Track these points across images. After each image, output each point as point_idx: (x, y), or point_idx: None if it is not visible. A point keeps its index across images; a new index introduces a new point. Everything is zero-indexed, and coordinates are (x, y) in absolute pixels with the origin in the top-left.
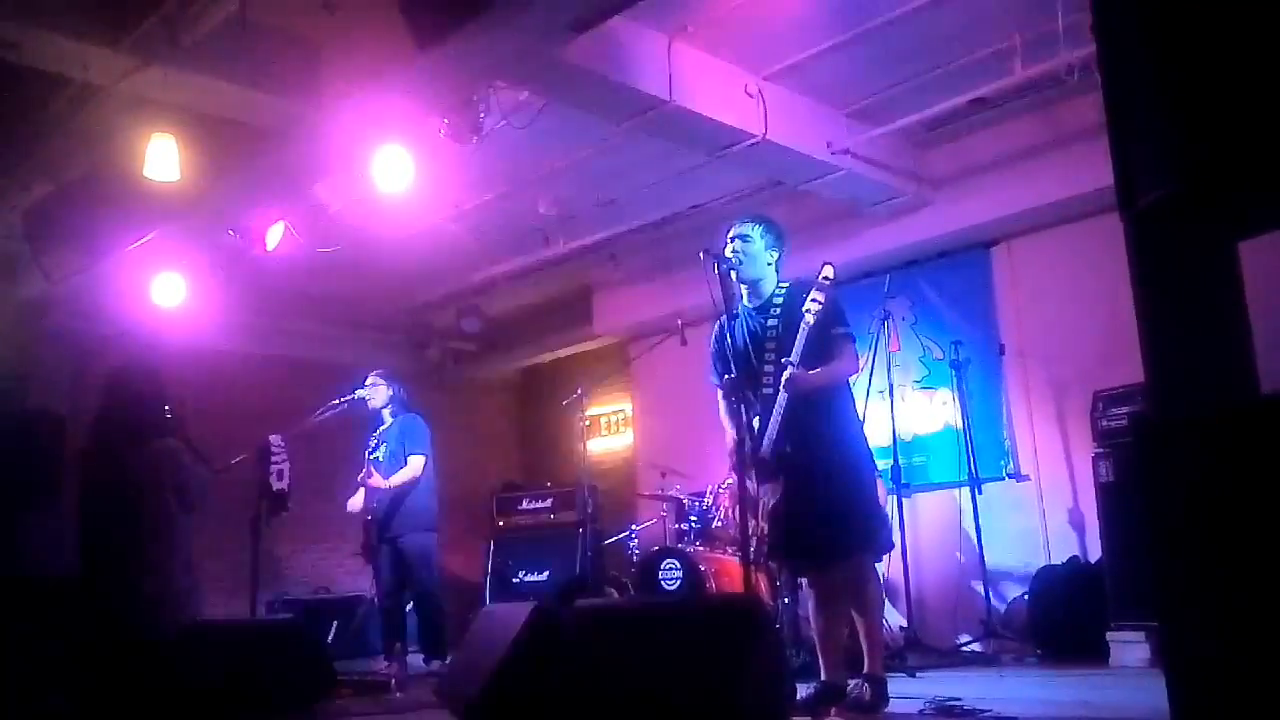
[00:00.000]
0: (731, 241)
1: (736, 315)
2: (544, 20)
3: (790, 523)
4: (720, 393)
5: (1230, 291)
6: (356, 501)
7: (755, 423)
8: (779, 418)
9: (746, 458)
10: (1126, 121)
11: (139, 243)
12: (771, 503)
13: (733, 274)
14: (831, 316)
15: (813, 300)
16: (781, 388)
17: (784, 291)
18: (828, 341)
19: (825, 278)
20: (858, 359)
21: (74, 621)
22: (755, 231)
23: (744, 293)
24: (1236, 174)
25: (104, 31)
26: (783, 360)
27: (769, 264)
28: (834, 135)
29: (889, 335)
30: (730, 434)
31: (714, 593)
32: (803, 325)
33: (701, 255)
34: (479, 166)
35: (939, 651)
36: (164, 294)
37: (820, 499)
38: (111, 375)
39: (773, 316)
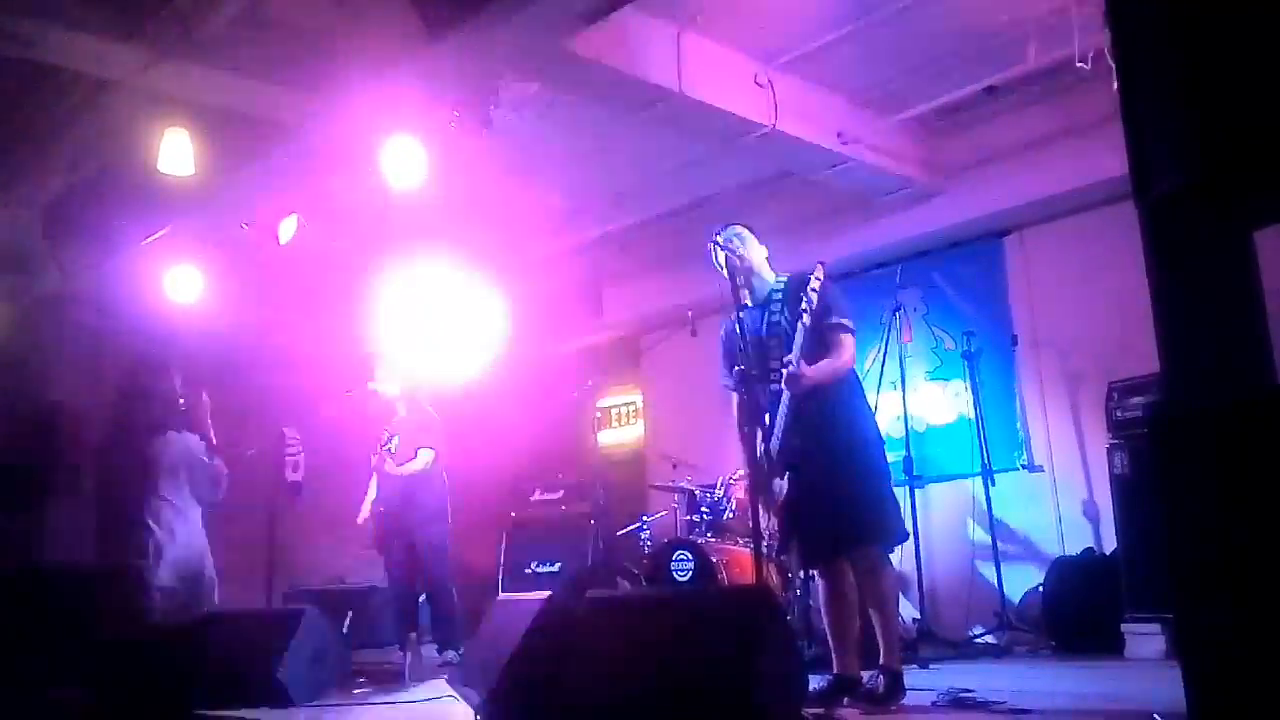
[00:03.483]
0: (728, 243)
1: (745, 306)
2: (554, 11)
3: (799, 516)
4: (735, 397)
5: (1246, 280)
6: (367, 509)
7: (765, 418)
8: (788, 407)
9: (759, 452)
10: (1141, 110)
11: (154, 237)
12: (781, 497)
13: (737, 268)
14: (827, 307)
15: (805, 300)
16: (783, 385)
17: (783, 285)
18: (824, 332)
19: (817, 277)
20: (853, 349)
21: (92, 610)
22: (745, 230)
23: (744, 292)
24: (1252, 162)
25: (118, 27)
26: (784, 360)
27: (764, 259)
28: (845, 125)
29: (901, 326)
30: (740, 434)
31: (725, 584)
32: (799, 325)
33: (710, 247)
34: (489, 158)
35: (952, 643)
36: (179, 287)
37: (827, 491)
38: (126, 370)
39: (774, 312)
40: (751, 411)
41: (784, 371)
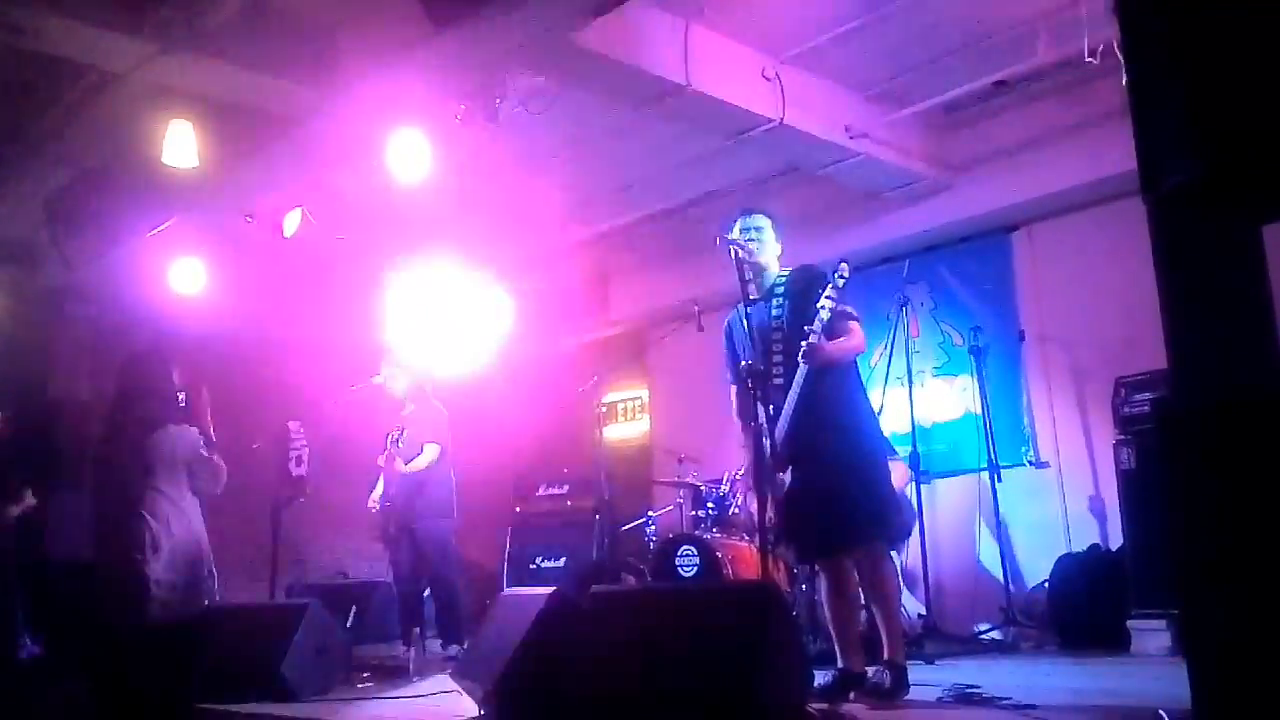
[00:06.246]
0: (745, 231)
1: (754, 301)
2: (561, 3)
3: (800, 512)
4: (734, 390)
5: (1254, 276)
6: (377, 495)
7: (769, 412)
8: (793, 401)
9: (764, 447)
10: (1149, 105)
11: (158, 229)
12: (783, 492)
13: (746, 262)
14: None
15: (827, 298)
16: (800, 359)
17: (784, 280)
18: (834, 321)
19: (841, 276)
20: (863, 335)
21: (92, 604)
22: (767, 223)
23: (751, 286)
24: (1260, 157)
25: (122, 18)
26: (805, 328)
27: (776, 256)
28: (853, 119)
29: (908, 321)
30: (743, 426)
31: (730, 579)
32: (823, 308)
33: (718, 241)
34: (495, 152)
35: (958, 639)
36: (182, 280)
37: (829, 488)
38: (125, 363)
39: (776, 306)
40: (754, 406)
41: (803, 344)
